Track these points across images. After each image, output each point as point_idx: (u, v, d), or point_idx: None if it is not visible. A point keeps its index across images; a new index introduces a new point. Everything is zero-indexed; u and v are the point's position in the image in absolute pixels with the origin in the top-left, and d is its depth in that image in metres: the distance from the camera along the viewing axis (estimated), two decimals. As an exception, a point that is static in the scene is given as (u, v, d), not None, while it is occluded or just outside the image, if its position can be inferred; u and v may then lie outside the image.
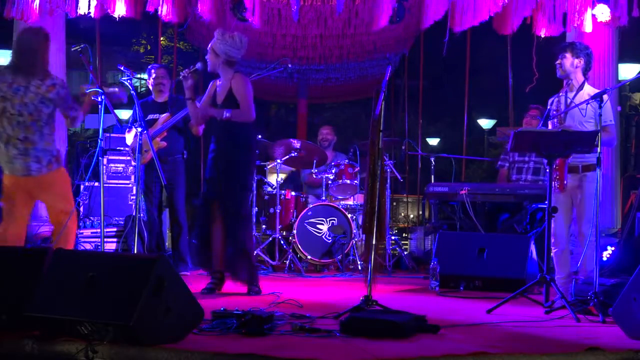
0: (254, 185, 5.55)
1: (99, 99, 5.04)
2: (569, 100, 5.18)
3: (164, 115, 6.62)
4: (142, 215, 6.66)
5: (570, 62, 5.15)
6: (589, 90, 5.12)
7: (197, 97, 5.68)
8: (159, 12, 7.82)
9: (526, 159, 7.04)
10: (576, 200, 5.13)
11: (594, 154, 4.75)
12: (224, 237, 5.43)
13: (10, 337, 3.50)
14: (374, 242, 4.42)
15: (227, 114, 5.40)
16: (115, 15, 7.60)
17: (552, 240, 5.20)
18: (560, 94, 5.29)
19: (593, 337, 3.80)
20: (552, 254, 5.26)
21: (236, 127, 5.42)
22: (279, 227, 7.25)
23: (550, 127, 5.29)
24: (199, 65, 5.60)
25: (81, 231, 7.35)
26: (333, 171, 7.47)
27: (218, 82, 5.60)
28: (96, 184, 7.43)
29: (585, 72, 5.21)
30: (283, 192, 7.41)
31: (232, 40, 5.40)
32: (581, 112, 5.10)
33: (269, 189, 7.52)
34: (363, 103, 14.53)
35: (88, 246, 7.25)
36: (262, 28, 8.70)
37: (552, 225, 5.19)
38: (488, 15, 7.70)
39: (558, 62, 5.20)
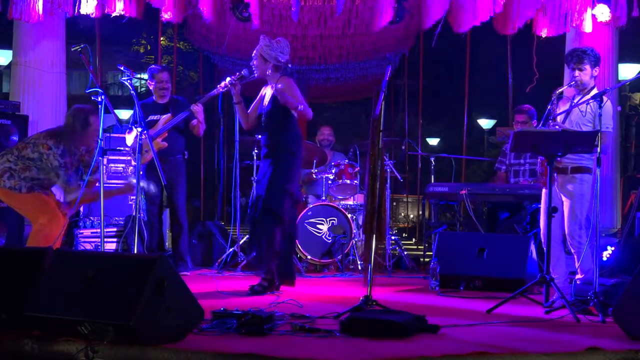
0: (295, 190, 5.57)
1: (99, 99, 5.05)
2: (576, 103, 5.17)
3: (164, 115, 6.62)
4: (142, 215, 6.67)
5: (589, 74, 5.14)
6: (595, 92, 5.09)
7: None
8: (161, 12, 7.84)
9: (522, 161, 7.00)
10: (565, 202, 5.13)
11: (585, 155, 4.75)
12: (260, 239, 5.44)
13: (10, 337, 3.50)
14: (374, 242, 4.43)
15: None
16: (116, 14, 7.62)
17: (542, 240, 5.20)
18: (556, 91, 5.24)
19: (593, 337, 3.80)
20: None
21: (279, 131, 5.46)
22: (279, 227, 7.24)
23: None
24: (245, 71, 5.64)
25: (81, 231, 7.37)
26: (333, 171, 7.47)
27: (264, 89, 5.65)
28: (96, 184, 7.43)
29: (596, 76, 5.21)
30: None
31: (279, 45, 5.47)
32: (582, 113, 5.10)
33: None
34: (363, 103, 14.53)
35: (88, 246, 7.26)
36: (261, 28, 8.70)
37: (542, 225, 5.20)
38: (489, 15, 7.70)
39: (577, 75, 5.14)
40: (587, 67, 5.11)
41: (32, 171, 5.43)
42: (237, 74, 5.67)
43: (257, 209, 5.48)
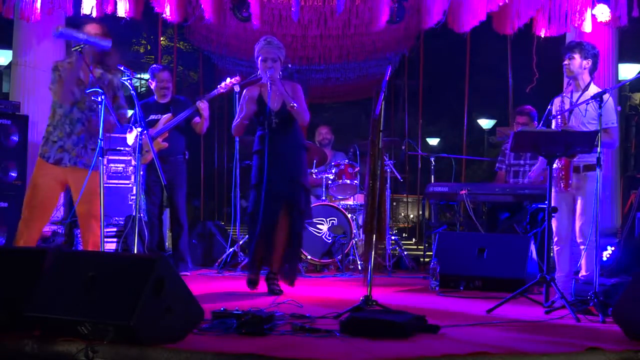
0: (308, 184, 5.74)
1: (99, 99, 5.04)
2: (574, 101, 5.17)
3: (165, 115, 6.63)
4: (142, 215, 6.67)
5: (579, 64, 5.13)
6: (594, 90, 5.09)
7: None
8: (162, 12, 7.83)
9: (521, 162, 6.99)
10: (577, 200, 5.14)
11: (595, 154, 4.75)
12: (288, 236, 5.46)
13: (10, 337, 3.50)
14: (374, 242, 4.43)
15: (295, 104, 5.40)
16: (117, 14, 7.62)
17: (555, 239, 5.21)
18: (564, 94, 5.27)
19: (593, 337, 3.80)
20: (553, 252, 5.27)
21: (292, 130, 5.51)
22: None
23: (553, 126, 5.29)
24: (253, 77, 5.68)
25: (82, 231, 7.37)
26: (333, 171, 7.47)
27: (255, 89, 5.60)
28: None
29: (591, 72, 5.20)
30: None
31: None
32: (582, 113, 5.10)
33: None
34: (363, 103, 14.54)
35: (88, 246, 7.25)
36: (262, 28, 8.70)
37: (555, 224, 5.21)
38: (489, 10, 7.69)
39: (566, 62, 5.16)
40: (577, 56, 5.12)
41: (50, 128, 5.32)
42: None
43: (272, 205, 5.42)
